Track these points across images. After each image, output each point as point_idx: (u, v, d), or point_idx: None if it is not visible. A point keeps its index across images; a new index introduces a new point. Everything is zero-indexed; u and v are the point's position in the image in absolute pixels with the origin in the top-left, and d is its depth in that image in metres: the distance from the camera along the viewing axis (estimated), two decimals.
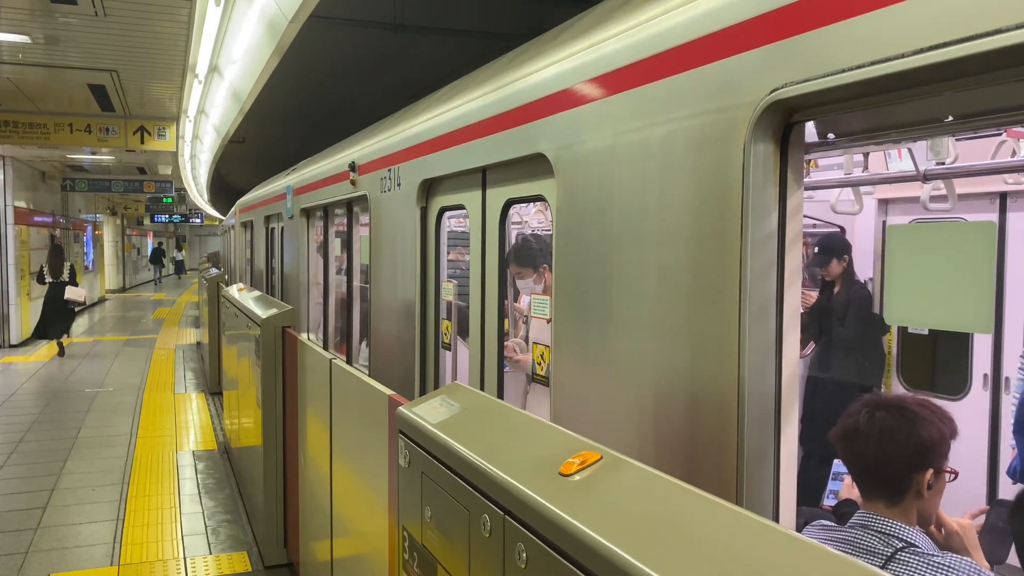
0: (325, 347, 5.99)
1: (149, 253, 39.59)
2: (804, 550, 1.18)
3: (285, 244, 8.20)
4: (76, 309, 13.43)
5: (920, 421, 1.98)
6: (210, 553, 5.27)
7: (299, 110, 16.34)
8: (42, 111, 12.02)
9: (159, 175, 19.91)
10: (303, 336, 4.88)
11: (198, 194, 27.30)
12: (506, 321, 3.46)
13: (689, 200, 1.92)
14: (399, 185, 4.27)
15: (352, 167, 5.22)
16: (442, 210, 3.89)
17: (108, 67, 9.35)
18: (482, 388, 3.38)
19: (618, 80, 2.20)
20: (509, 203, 3.19)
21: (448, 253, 4.19)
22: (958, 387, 4.78)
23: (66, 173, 18.92)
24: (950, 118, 1.50)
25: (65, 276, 13.59)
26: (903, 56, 1.38)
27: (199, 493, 6.45)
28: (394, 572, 2.51)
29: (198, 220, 36.24)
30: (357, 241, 5.57)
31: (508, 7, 9.40)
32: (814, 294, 4.87)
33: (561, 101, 2.51)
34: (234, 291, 7.16)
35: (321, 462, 3.89)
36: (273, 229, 9.12)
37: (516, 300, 4.48)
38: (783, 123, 1.73)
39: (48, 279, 13.50)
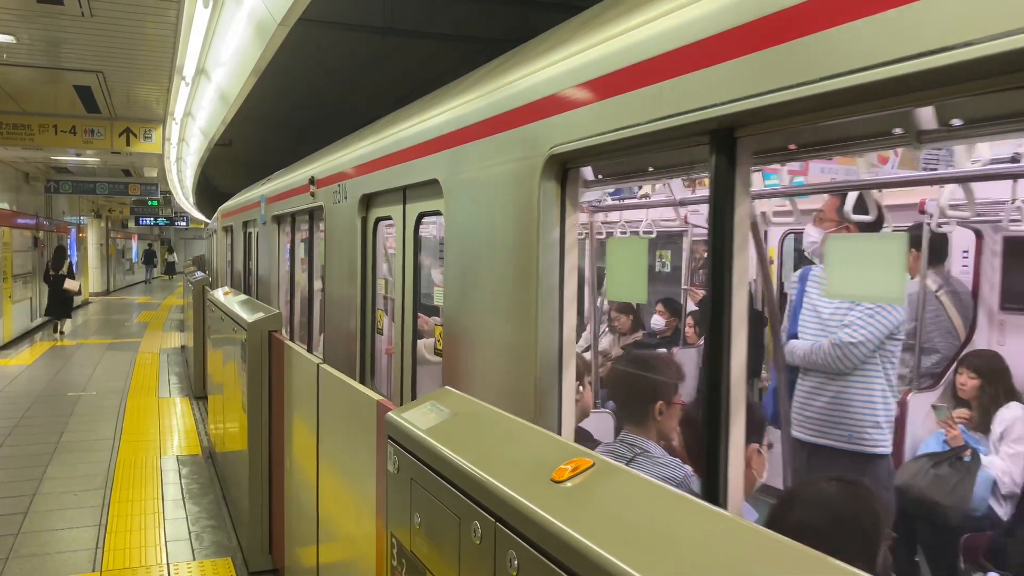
0: (291, 338, 6.55)
1: (141, 255, 41.39)
2: (796, 555, 1.17)
3: (260, 247, 8.96)
4: (73, 296, 16.98)
5: (653, 369, 3.03)
6: (194, 559, 5.22)
7: (286, 113, 16.30)
8: (27, 112, 11.91)
9: (145, 177, 19.78)
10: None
11: (184, 197, 27.15)
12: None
13: (512, 218, 2.75)
14: (346, 198, 5.05)
15: (312, 181, 5.99)
16: (377, 220, 4.66)
17: (94, 68, 9.29)
18: (401, 365, 4.21)
19: (476, 130, 3.13)
20: (420, 216, 3.99)
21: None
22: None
23: (50, 175, 18.76)
24: (650, 168, 2.47)
25: (64, 271, 16.71)
26: (626, 127, 2.10)
27: (183, 498, 6.39)
28: None
29: (184, 223, 36.07)
30: (317, 245, 6.31)
31: (495, 12, 9.42)
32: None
33: (447, 141, 3.40)
34: (220, 295, 7.11)
35: (307, 467, 3.86)
36: (250, 234, 9.92)
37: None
38: (561, 168, 2.55)
39: (51, 272, 16.75)
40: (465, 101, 3.30)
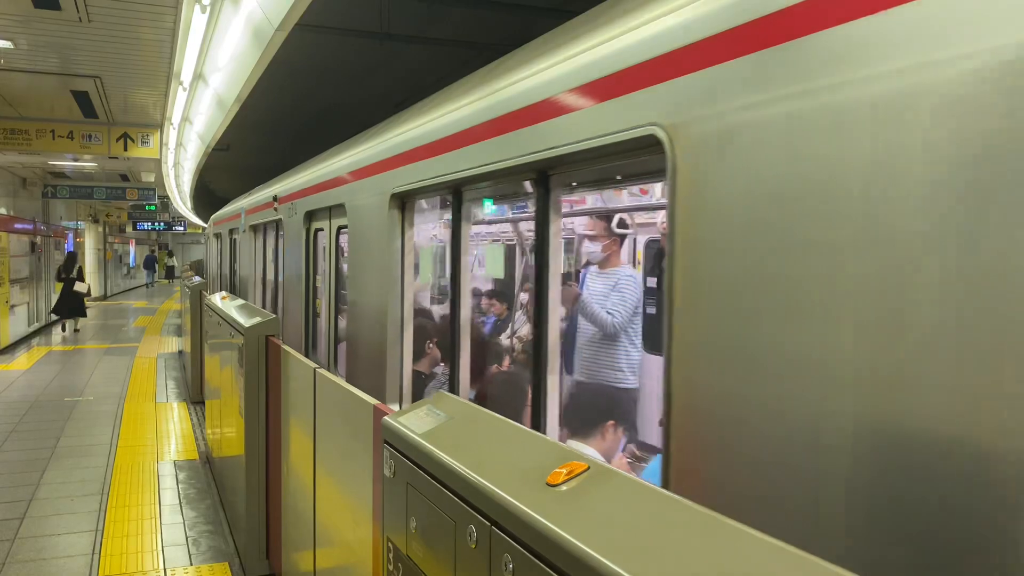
0: None
1: (143, 259, 44.68)
2: (791, 559, 1.18)
3: (242, 251, 10.72)
4: (84, 297, 18.65)
5: (427, 326, 5.33)
6: (191, 564, 5.21)
7: (283, 118, 16.30)
8: (24, 117, 11.91)
9: (142, 182, 19.77)
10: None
11: (181, 202, 27.13)
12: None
13: (382, 233, 4.35)
14: (296, 213, 6.76)
15: (275, 198, 7.79)
16: (316, 230, 6.39)
17: (91, 73, 9.29)
18: (328, 336, 5.89)
19: (361, 173, 4.91)
20: (339, 228, 5.63)
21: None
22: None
23: (47, 180, 18.75)
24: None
25: (74, 274, 18.38)
26: (432, 178, 3.65)
27: (180, 503, 6.38)
28: None
29: (181, 228, 36.02)
30: (280, 249, 8.01)
31: (491, 18, 9.44)
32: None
33: (348, 179, 5.21)
34: (217, 299, 7.10)
35: (304, 472, 3.86)
36: (235, 240, 11.55)
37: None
38: (400, 201, 4.24)
39: (63, 276, 18.45)
40: (357, 151, 5.16)
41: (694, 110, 1.94)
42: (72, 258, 19.21)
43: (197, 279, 13.03)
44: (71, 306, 18.12)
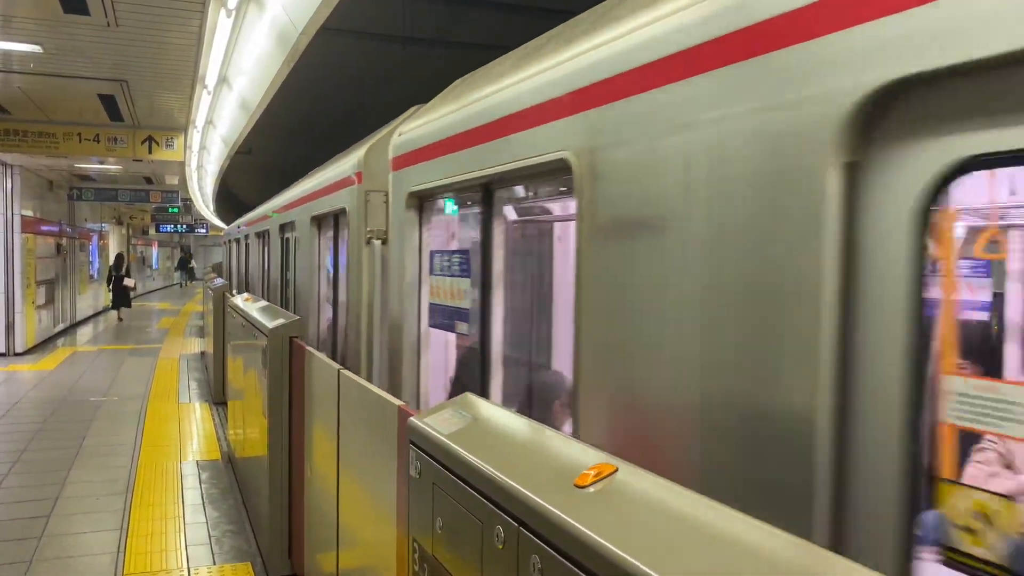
0: (267, 298, 10.34)
1: (176, 261, 50.02)
2: (822, 560, 1.17)
3: (250, 254, 13.00)
4: (130, 291, 22.45)
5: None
6: (214, 564, 5.26)
7: (305, 121, 16.42)
8: (52, 120, 12.08)
9: (166, 185, 19.98)
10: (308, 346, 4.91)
11: (204, 204, 27.39)
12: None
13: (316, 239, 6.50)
14: (279, 225, 9.01)
15: (269, 213, 10.16)
16: (286, 239, 8.64)
17: (118, 77, 9.42)
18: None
19: (307, 197, 6.61)
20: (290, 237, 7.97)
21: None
22: None
23: (73, 182, 18.99)
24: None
25: (124, 272, 22.04)
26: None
27: (203, 503, 6.44)
28: None
29: (203, 230, 36.32)
30: (272, 252, 10.03)
31: (511, 20, 9.46)
32: None
33: (296, 203, 7.28)
34: (240, 301, 7.16)
35: (327, 472, 3.88)
36: (247, 245, 13.69)
37: None
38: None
39: (113, 273, 22.21)
40: (321, 176, 6.40)
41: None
42: (120, 258, 22.74)
43: (219, 281, 13.16)
44: (121, 298, 22.00)
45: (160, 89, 10.08)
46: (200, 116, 11.17)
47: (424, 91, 12.63)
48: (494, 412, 2.17)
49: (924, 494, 1.51)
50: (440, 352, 4.28)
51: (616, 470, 1.56)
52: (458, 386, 4.11)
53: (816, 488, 1.58)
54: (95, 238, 23.71)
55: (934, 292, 1.57)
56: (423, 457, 2.11)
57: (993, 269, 3.34)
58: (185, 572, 5.09)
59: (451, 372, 4.38)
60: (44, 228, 16.74)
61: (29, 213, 15.49)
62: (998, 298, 3.47)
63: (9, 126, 12.03)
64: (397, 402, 2.78)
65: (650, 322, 2.08)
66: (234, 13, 6.49)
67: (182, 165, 14.89)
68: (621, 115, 2.21)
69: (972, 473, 2.58)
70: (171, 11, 6.79)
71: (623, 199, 2.21)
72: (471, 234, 4.13)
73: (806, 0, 1.63)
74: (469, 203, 4.02)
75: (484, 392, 3.37)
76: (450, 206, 4.27)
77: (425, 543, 2.08)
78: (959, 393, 1.47)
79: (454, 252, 3.77)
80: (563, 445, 1.83)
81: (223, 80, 9.24)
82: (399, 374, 4.15)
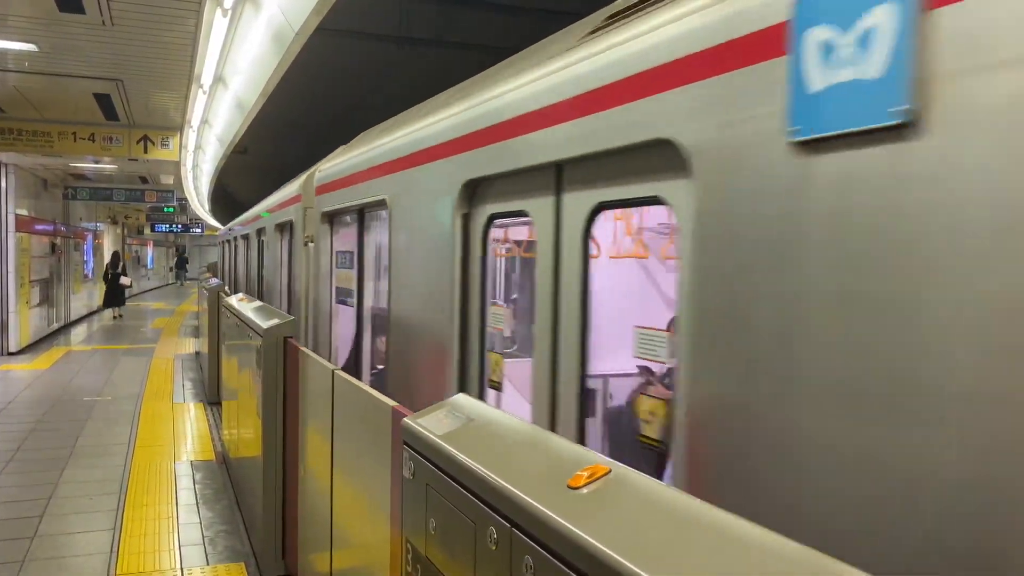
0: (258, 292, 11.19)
1: (175, 260, 51.36)
2: (813, 563, 1.17)
3: (238, 253, 14.04)
4: (126, 289, 23.00)
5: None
6: (207, 564, 5.24)
7: (301, 120, 16.41)
8: (47, 119, 12.05)
9: (161, 184, 19.95)
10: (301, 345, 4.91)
11: (199, 204, 27.33)
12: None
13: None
14: (263, 228, 9.66)
15: (255, 216, 11.12)
16: (263, 242, 9.67)
17: (114, 76, 9.39)
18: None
19: (273, 208, 8.34)
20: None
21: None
22: None
23: (68, 181, 18.95)
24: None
25: (120, 270, 22.40)
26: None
27: (197, 503, 6.43)
28: None
29: (199, 230, 36.27)
30: (264, 250, 10.34)
31: (507, 22, 9.47)
32: None
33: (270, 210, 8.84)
34: (235, 301, 7.15)
35: (321, 473, 3.88)
36: (236, 245, 14.71)
37: None
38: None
39: (110, 272, 22.40)
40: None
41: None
42: (117, 256, 23.25)
43: (214, 281, 13.15)
44: (116, 296, 22.33)
45: (156, 88, 10.06)
46: (196, 115, 11.15)
47: (419, 91, 12.63)
48: (488, 413, 2.17)
49: None
50: (346, 317, 5.68)
51: (609, 471, 1.57)
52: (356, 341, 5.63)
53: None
54: (90, 237, 23.65)
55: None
56: (417, 458, 2.11)
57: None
58: (178, 572, 5.08)
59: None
60: (38, 227, 16.69)
61: (24, 212, 15.44)
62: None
63: (4, 125, 11.99)
64: (391, 403, 2.78)
65: None
66: (230, 12, 6.48)
67: (177, 165, 14.87)
68: (405, 177, 3.87)
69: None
70: (167, 10, 6.78)
71: (410, 228, 3.84)
72: (354, 240, 5.65)
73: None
74: (354, 220, 5.37)
75: (359, 339, 5.24)
76: (347, 221, 5.63)
77: (418, 544, 2.08)
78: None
79: (346, 252, 5.47)
80: (557, 446, 1.83)
81: (219, 79, 9.22)
82: (322, 333, 5.84)
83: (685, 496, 1.45)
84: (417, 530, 2.09)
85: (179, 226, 34.10)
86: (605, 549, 1.29)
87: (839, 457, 1.50)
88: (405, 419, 2.26)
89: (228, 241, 17.64)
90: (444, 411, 2.23)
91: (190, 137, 12.90)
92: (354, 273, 5.20)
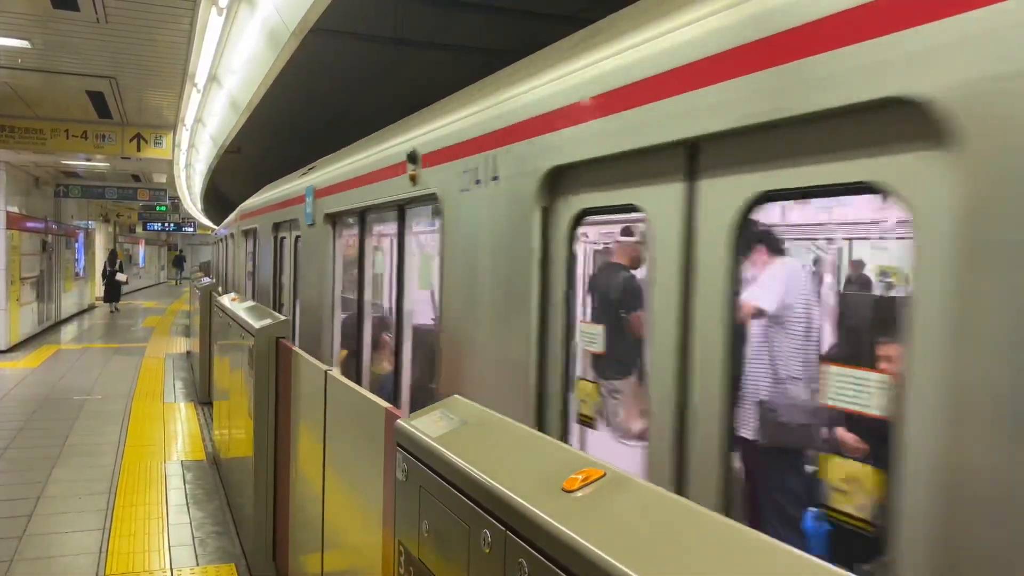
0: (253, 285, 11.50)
1: (172, 259, 53.29)
2: (808, 570, 1.17)
3: (229, 252, 14.24)
4: (122, 285, 24.67)
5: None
6: (197, 565, 5.22)
7: (295, 121, 16.37)
8: (39, 116, 11.99)
9: (154, 183, 19.86)
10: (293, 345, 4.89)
11: (192, 203, 27.24)
12: None
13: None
14: (259, 226, 9.87)
15: (249, 213, 11.19)
16: (254, 240, 10.15)
17: (107, 74, 9.35)
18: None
19: (269, 208, 8.80)
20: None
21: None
22: None
23: (60, 179, 18.85)
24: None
25: (117, 267, 24.09)
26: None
27: (187, 504, 6.40)
28: None
29: (191, 229, 36.15)
30: (258, 248, 10.75)
31: (504, 24, 9.47)
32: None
33: (261, 211, 9.50)
34: (227, 300, 7.12)
35: (313, 474, 3.86)
36: (228, 244, 14.83)
37: None
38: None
39: (108, 269, 24.09)
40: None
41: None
42: (114, 254, 24.88)
43: (206, 280, 13.11)
44: (113, 292, 24.00)
45: (149, 87, 10.02)
46: (189, 114, 11.11)
47: (415, 93, 12.61)
48: (483, 415, 2.17)
49: None
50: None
51: (604, 475, 1.57)
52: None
53: None
54: (81, 235, 23.54)
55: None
56: (410, 460, 2.11)
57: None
58: (168, 573, 5.06)
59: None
60: (29, 225, 16.60)
61: (15, 209, 15.36)
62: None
63: None
64: (385, 404, 2.78)
65: None
66: (225, 12, 6.46)
67: (170, 163, 14.82)
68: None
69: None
70: (162, 8, 6.75)
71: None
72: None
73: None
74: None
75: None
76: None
77: (411, 546, 2.07)
78: None
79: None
80: (551, 449, 1.83)
81: (213, 79, 9.19)
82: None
83: (679, 500, 1.45)
84: (410, 532, 2.08)
85: (171, 225, 33.98)
86: (600, 552, 1.29)
87: None
88: (399, 421, 2.25)
89: (221, 240, 17.33)
90: (438, 413, 2.23)
91: (183, 136, 12.85)
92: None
